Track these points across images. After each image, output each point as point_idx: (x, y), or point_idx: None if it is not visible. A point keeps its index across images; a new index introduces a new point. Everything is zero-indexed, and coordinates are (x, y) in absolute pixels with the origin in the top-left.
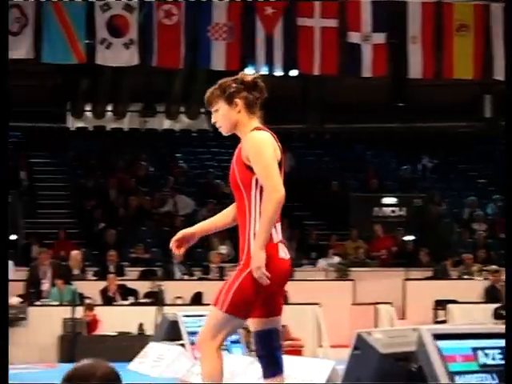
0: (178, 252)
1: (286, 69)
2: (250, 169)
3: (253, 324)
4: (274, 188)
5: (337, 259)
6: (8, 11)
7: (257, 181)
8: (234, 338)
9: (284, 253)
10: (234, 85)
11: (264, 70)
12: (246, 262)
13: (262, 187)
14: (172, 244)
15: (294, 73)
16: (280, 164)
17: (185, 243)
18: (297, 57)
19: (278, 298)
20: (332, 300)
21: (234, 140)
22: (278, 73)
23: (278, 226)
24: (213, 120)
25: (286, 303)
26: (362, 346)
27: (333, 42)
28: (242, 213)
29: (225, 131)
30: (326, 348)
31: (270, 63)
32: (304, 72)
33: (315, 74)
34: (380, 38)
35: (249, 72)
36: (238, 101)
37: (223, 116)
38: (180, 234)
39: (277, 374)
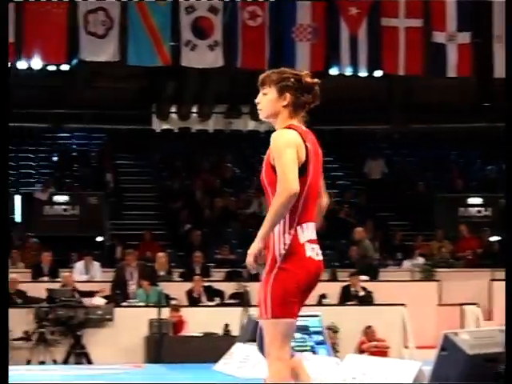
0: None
1: (371, 69)
2: (274, 169)
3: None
4: (286, 185)
5: (422, 260)
6: (7, 11)
7: None
8: (319, 338)
9: (314, 253)
10: (292, 79)
11: (348, 71)
12: (271, 263)
13: None
14: (252, 264)
15: (378, 73)
16: (306, 165)
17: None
18: (381, 57)
19: (303, 301)
20: (417, 301)
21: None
22: (363, 73)
23: (308, 225)
24: (257, 100)
25: (372, 304)
26: (449, 346)
27: (417, 41)
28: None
29: (263, 115)
30: (411, 349)
31: (354, 64)
32: (389, 72)
33: (400, 75)
34: (465, 37)
35: (312, 72)
36: (287, 95)
37: (268, 102)
38: (258, 252)
39: None
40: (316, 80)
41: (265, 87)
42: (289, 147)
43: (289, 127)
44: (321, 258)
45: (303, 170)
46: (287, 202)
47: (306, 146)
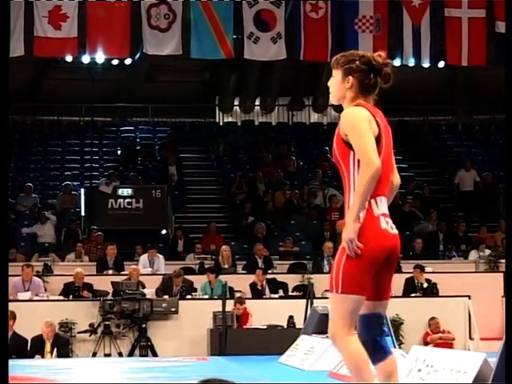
0: None
1: (434, 60)
2: (348, 145)
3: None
4: (368, 161)
5: (488, 251)
6: (9, 11)
7: (355, 156)
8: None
9: (389, 226)
10: (357, 62)
11: (411, 62)
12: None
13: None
14: (355, 249)
15: (441, 64)
16: (379, 139)
17: None
18: (444, 48)
19: (385, 279)
20: (482, 292)
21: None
22: (426, 64)
23: (381, 199)
24: (329, 83)
25: (436, 296)
26: None
27: (481, 32)
28: (344, 189)
29: (332, 99)
30: (476, 340)
31: (417, 55)
32: (452, 63)
33: (463, 65)
34: None
35: (385, 56)
36: (350, 78)
37: (335, 85)
38: (355, 234)
39: (383, 358)
40: (386, 61)
41: (333, 70)
42: (362, 121)
43: (356, 105)
44: (396, 232)
45: (377, 143)
46: (372, 177)
47: (377, 121)
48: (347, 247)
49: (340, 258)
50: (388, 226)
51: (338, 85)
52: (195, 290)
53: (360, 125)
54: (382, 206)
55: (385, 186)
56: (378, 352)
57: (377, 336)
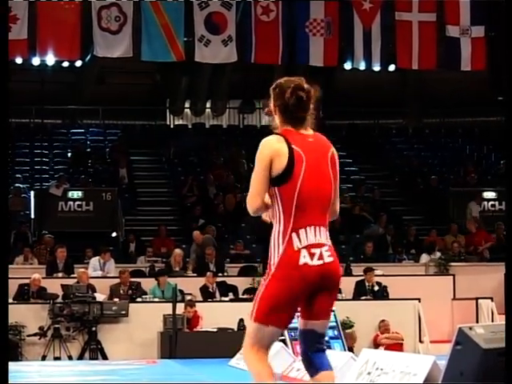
0: None
1: (384, 64)
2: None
3: (298, 323)
4: (248, 201)
5: (438, 254)
6: (8, 11)
7: (275, 190)
8: (334, 333)
9: (315, 258)
10: (276, 90)
11: (362, 66)
12: (268, 270)
13: (281, 195)
14: None
15: (392, 68)
16: (289, 170)
17: None
18: (395, 51)
19: (322, 304)
20: (432, 295)
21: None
22: (376, 68)
23: (309, 229)
24: None
25: (386, 298)
26: (463, 341)
27: (431, 36)
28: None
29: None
30: (426, 343)
31: (368, 58)
32: (402, 67)
33: (413, 69)
34: (479, 31)
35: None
36: (272, 108)
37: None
38: None
39: (314, 374)
40: (295, 83)
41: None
42: (261, 156)
43: (281, 132)
44: (327, 259)
45: (285, 175)
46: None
47: (292, 150)
48: None
49: (260, 289)
50: (313, 258)
51: (271, 112)
52: (145, 293)
53: (258, 162)
54: (307, 238)
55: (315, 214)
56: (310, 368)
57: (309, 352)
